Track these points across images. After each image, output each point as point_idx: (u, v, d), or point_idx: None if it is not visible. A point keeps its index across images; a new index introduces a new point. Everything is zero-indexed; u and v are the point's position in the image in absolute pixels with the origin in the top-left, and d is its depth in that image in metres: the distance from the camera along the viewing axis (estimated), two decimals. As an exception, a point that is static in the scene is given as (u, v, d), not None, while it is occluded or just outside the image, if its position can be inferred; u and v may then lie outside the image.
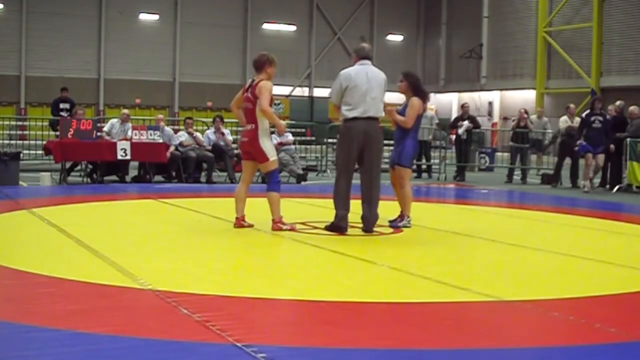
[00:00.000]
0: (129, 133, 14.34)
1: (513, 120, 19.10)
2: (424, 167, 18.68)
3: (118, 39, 35.41)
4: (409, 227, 8.42)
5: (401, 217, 8.52)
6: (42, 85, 32.89)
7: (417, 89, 8.50)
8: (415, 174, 17.79)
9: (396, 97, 8.80)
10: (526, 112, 18.46)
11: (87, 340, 3.97)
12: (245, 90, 7.98)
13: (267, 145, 7.86)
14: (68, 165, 14.34)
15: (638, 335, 4.46)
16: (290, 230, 7.87)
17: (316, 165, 18.84)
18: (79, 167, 14.83)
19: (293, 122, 28.17)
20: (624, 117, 15.67)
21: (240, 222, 8.03)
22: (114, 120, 14.96)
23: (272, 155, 7.89)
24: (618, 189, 15.14)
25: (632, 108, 15.40)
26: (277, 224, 7.90)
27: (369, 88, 7.85)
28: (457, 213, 11.01)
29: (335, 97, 8.03)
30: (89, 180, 14.13)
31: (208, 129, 16.02)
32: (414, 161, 16.65)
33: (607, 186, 15.46)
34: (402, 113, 8.49)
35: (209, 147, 14.87)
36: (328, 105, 35.78)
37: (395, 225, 8.43)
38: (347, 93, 7.87)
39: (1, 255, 6.19)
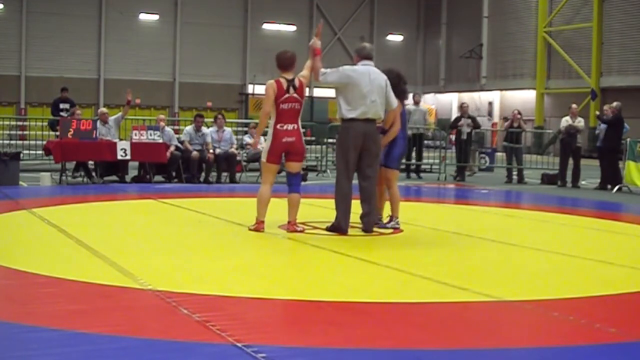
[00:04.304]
0: (113, 132, 14.25)
1: (506, 121, 19.14)
2: (413, 166, 18.28)
3: (118, 39, 35.45)
4: (398, 227, 8.36)
5: (390, 218, 8.49)
6: (42, 85, 32.93)
7: (395, 86, 8.33)
8: (405, 174, 17.49)
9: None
10: (519, 112, 18.48)
11: (87, 340, 3.97)
12: (284, 91, 7.77)
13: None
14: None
15: (638, 335, 4.46)
16: (300, 232, 7.89)
17: (316, 165, 18.81)
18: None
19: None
20: (621, 117, 15.77)
21: (262, 226, 7.83)
22: (98, 123, 14.32)
23: None
24: (618, 189, 15.19)
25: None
26: (293, 226, 7.89)
27: (370, 90, 7.78)
28: (457, 213, 11.01)
29: (331, 77, 7.81)
30: (88, 180, 14.10)
31: (208, 128, 16.01)
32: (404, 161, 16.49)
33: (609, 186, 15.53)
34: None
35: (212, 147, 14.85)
36: (328, 105, 35.80)
37: (384, 226, 8.37)
38: (347, 88, 7.79)
39: (1, 255, 6.19)
